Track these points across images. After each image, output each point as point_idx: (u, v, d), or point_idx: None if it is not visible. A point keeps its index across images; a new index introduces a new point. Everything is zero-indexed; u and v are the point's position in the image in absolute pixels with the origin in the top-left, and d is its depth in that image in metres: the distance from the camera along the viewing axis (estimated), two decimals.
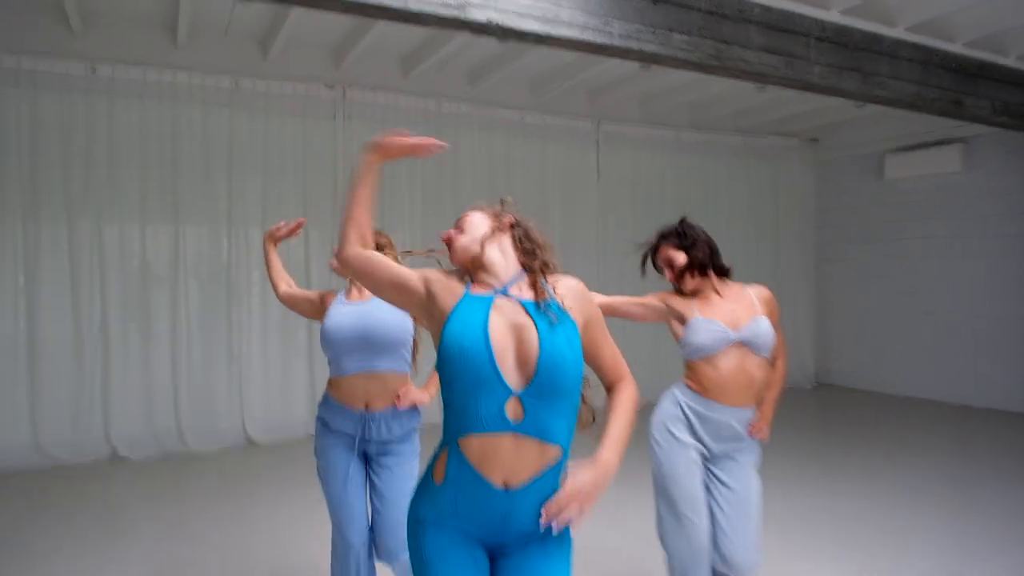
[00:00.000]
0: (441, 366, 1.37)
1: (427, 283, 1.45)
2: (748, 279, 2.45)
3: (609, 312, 2.30)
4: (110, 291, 5.21)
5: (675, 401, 2.31)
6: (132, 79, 5.17)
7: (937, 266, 7.30)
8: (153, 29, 5.27)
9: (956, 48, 5.02)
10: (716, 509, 2.21)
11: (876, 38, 4.65)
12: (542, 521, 1.30)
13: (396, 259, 2.22)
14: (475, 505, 1.35)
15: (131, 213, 5.27)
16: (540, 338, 1.32)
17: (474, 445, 1.33)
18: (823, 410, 7.24)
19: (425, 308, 1.44)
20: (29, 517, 3.91)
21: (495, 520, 1.36)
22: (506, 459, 1.32)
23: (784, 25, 4.28)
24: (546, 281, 1.43)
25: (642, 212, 7.06)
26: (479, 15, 3.37)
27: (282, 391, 5.78)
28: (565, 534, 1.41)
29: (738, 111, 7.65)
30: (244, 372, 5.62)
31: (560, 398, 1.34)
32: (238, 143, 5.58)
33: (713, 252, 2.33)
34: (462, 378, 1.33)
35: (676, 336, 2.29)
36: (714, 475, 2.25)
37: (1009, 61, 5.27)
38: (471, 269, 1.48)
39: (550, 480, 1.35)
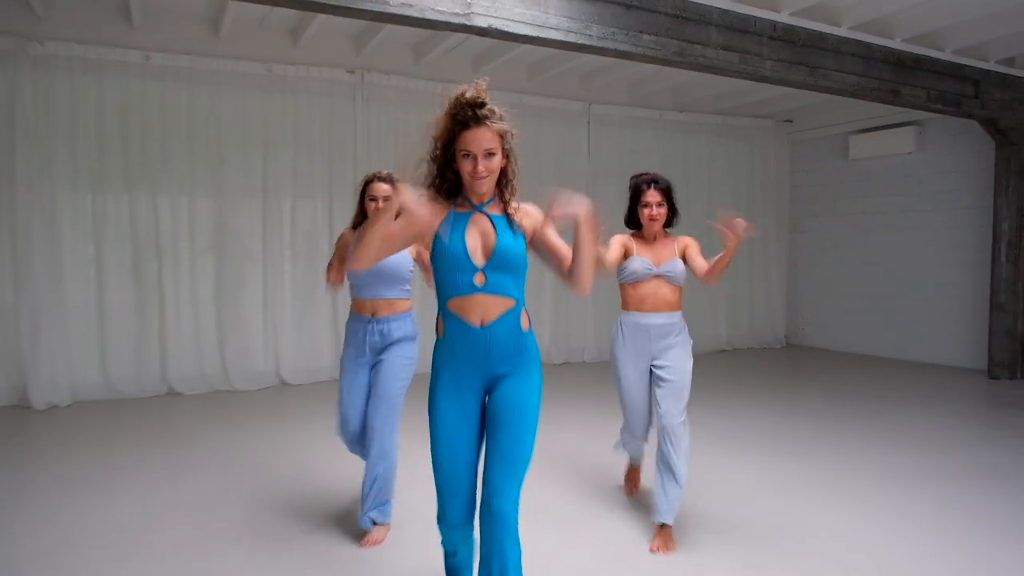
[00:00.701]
0: (434, 257, 2.07)
1: (415, 222, 2.01)
2: (723, 247, 3.09)
3: (609, 262, 3.03)
4: (165, 255, 6.05)
5: (617, 323, 3.16)
6: (180, 66, 5.96)
7: (895, 237, 8.11)
8: (200, 23, 6.05)
9: (895, 44, 5.77)
10: (657, 390, 3.07)
11: (822, 36, 5.41)
12: (552, 211, 1.93)
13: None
14: (464, 340, 2.02)
15: (181, 186, 6.09)
16: (497, 236, 2.03)
17: (456, 303, 2.03)
18: (791, 368, 8.08)
19: (419, 236, 2.09)
20: (103, 440, 4.72)
21: (480, 350, 2.02)
22: (478, 308, 2.01)
23: (740, 26, 5.05)
24: (509, 202, 2.09)
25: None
26: (481, 22, 4.16)
27: (310, 340, 6.64)
28: (533, 370, 2.11)
29: (718, 94, 8.39)
30: (278, 324, 6.47)
31: (509, 270, 2.02)
32: (271, 122, 6.38)
33: (675, 214, 3.17)
34: (447, 263, 2.02)
35: (619, 263, 3.10)
36: (657, 369, 3.09)
37: (944, 55, 6.02)
38: (467, 191, 2.07)
39: (512, 318, 2.03)
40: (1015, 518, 3.32)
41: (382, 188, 3.00)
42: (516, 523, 2.01)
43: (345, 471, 3.80)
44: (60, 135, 5.63)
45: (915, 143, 7.70)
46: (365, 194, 3.07)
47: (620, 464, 3.75)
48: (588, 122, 7.91)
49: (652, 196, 3.09)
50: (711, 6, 4.90)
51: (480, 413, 2.11)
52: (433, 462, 2.09)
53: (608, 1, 4.54)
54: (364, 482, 3.01)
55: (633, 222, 3.19)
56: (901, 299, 8.06)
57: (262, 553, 2.93)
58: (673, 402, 3.04)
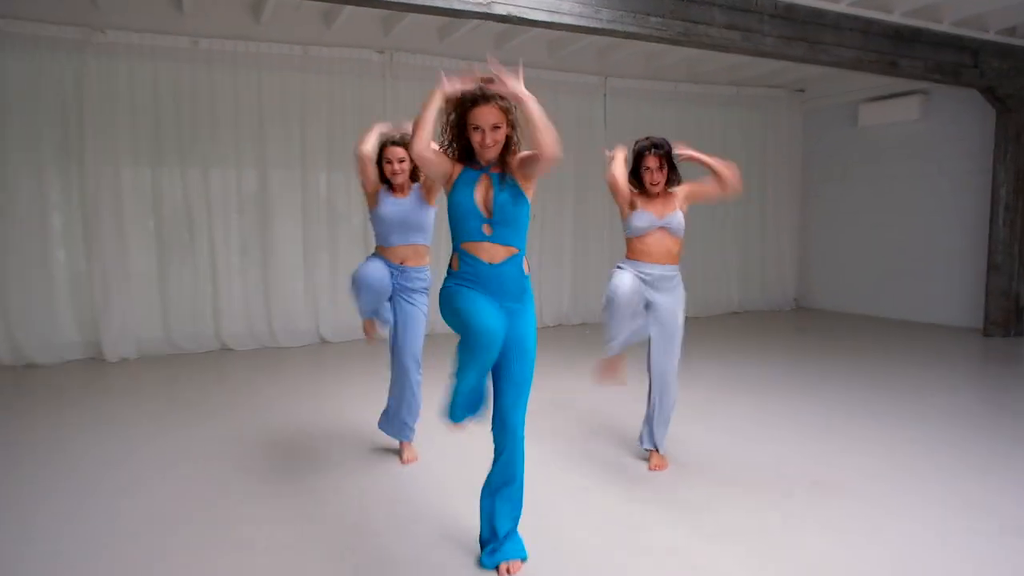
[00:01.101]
0: (450, 207, 2.43)
1: (449, 165, 2.46)
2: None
3: (613, 181, 3.45)
4: (215, 223, 6.66)
5: (616, 266, 3.51)
6: (226, 50, 6.49)
7: (901, 201, 8.43)
8: (242, 10, 6.55)
9: (894, 18, 6.07)
10: (652, 332, 3.50)
11: (821, 12, 5.75)
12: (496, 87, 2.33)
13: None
14: (479, 273, 2.40)
15: (228, 159, 6.67)
16: (495, 194, 2.40)
17: (469, 246, 2.41)
18: (802, 329, 8.49)
19: (448, 178, 2.50)
20: (167, 388, 5.39)
21: (495, 281, 2.41)
22: (486, 251, 2.40)
23: (742, 5, 5.41)
24: (508, 162, 2.44)
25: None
26: (501, 10, 4.61)
27: (345, 301, 7.23)
28: (531, 309, 2.53)
29: (732, 65, 8.68)
30: (317, 286, 7.08)
31: (509, 224, 2.41)
32: (308, 100, 6.90)
33: (676, 175, 3.49)
34: (459, 211, 2.42)
35: (624, 216, 3.47)
36: (650, 308, 3.46)
37: (942, 27, 6.30)
38: (477, 156, 2.44)
39: (515, 262, 2.44)
40: (987, 451, 3.78)
41: (397, 151, 3.37)
42: (522, 434, 2.53)
43: (373, 415, 4.39)
44: (122, 115, 6.22)
45: (920, 111, 7.97)
46: (383, 157, 3.44)
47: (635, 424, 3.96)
48: (604, 95, 8.31)
49: (652, 161, 3.41)
50: None
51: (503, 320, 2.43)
52: (475, 330, 2.32)
53: None
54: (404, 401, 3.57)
55: (637, 183, 3.53)
56: (906, 262, 8.41)
57: (302, 470, 3.53)
58: (663, 352, 3.46)
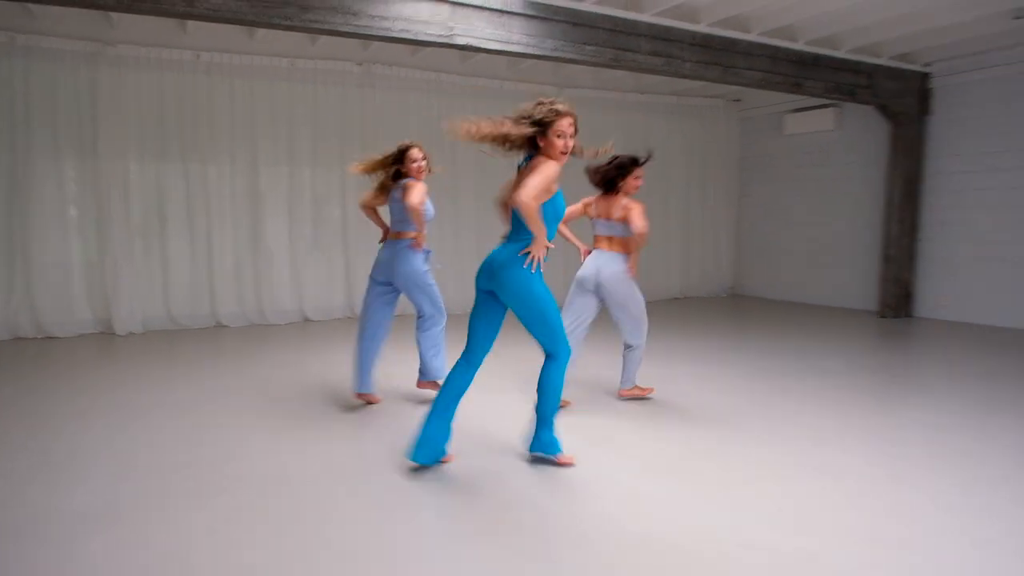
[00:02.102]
0: (550, 205, 3.14)
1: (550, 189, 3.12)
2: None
3: (579, 214, 4.41)
4: (212, 213, 7.55)
5: (621, 260, 4.39)
6: (223, 63, 7.39)
7: (818, 201, 9.59)
8: (238, 28, 7.42)
9: (798, 46, 7.17)
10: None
11: (734, 42, 6.82)
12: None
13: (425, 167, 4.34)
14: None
15: (224, 158, 7.56)
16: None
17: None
18: (734, 312, 9.61)
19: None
20: (168, 358, 6.33)
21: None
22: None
23: (664, 36, 6.46)
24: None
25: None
26: (460, 41, 5.60)
27: (326, 285, 8.19)
28: None
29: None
30: (301, 271, 8.02)
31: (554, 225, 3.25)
32: (295, 106, 7.82)
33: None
34: (557, 213, 3.22)
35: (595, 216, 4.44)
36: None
37: (840, 53, 7.42)
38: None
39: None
40: (866, 399, 4.88)
41: (418, 152, 4.33)
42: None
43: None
44: (130, 119, 7.09)
45: (834, 122, 9.13)
46: (405, 156, 4.31)
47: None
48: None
49: (639, 172, 4.34)
50: (640, 21, 6.30)
51: None
52: (556, 312, 3.27)
53: (559, 21, 5.96)
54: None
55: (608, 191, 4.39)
56: (821, 254, 9.59)
57: (292, 428, 4.50)
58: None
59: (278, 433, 3.98)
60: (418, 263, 4.37)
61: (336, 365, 5.74)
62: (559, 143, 3.07)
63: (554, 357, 3.33)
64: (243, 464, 3.49)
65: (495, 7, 5.68)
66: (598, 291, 4.40)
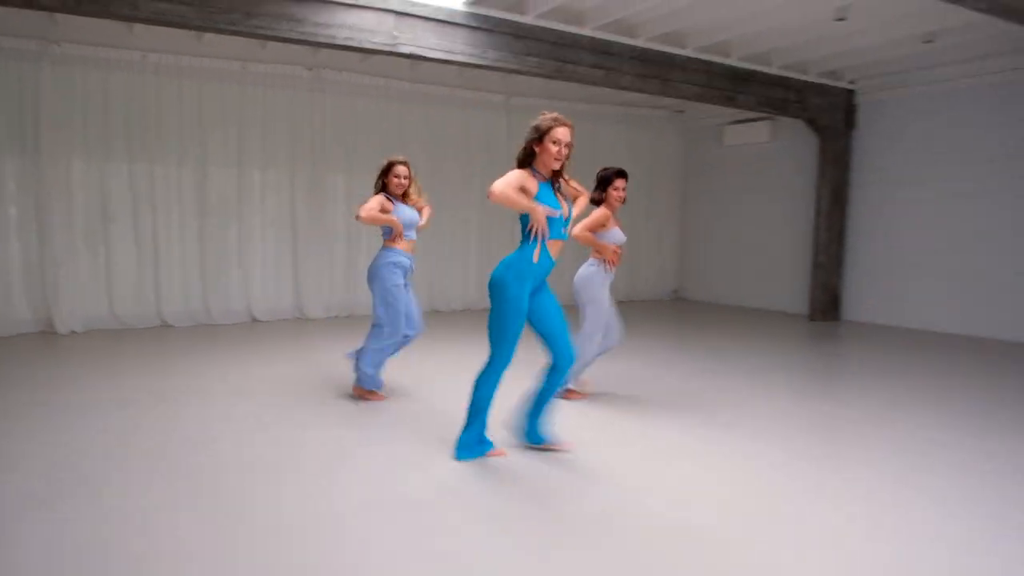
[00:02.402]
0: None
1: (526, 188, 3.20)
2: (626, 217, 4.61)
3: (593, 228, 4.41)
4: (158, 213, 7.55)
5: (596, 267, 4.51)
6: (171, 64, 7.41)
7: (754, 209, 10.03)
8: (187, 31, 7.47)
9: (731, 61, 7.55)
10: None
11: (671, 56, 7.16)
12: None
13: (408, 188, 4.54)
14: (543, 268, 3.30)
15: (171, 157, 7.57)
16: (567, 203, 3.40)
17: (550, 244, 3.29)
18: (675, 315, 9.97)
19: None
20: (112, 356, 6.35)
21: (545, 275, 3.35)
22: (556, 248, 3.32)
23: (604, 49, 6.75)
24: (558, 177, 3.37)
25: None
26: (405, 50, 5.78)
27: (275, 285, 8.26)
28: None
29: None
30: (249, 271, 8.07)
31: (565, 226, 3.37)
32: (245, 109, 7.88)
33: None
34: (554, 218, 3.27)
35: (602, 230, 4.50)
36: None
37: (772, 70, 7.84)
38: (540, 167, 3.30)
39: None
40: (803, 384, 5.20)
41: (403, 169, 4.51)
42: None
43: (305, 369, 5.48)
44: (74, 117, 7.06)
45: (769, 134, 9.58)
46: (390, 172, 4.50)
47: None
48: (507, 112, 9.57)
49: (622, 183, 4.46)
50: (582, 35, 6.58)
51: None
52: (513, 329, 3.36)
53: (502, 33, 6.19)
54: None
55: (602, 201, 4.47)
56: (756, 260, 10.03)
57: (235, 419, 4.62)
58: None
59: (218, 423, 4.09)
60: (385, 272, 4.49)
61: (283, 364, 5.84)
62: (553, 149, 3.25)
63: (490, 362, 3.44)
64: (182, 453, 3.60)
65: (440, 18, 5.88)
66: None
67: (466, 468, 3.46)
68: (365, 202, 4.54)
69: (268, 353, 6.35)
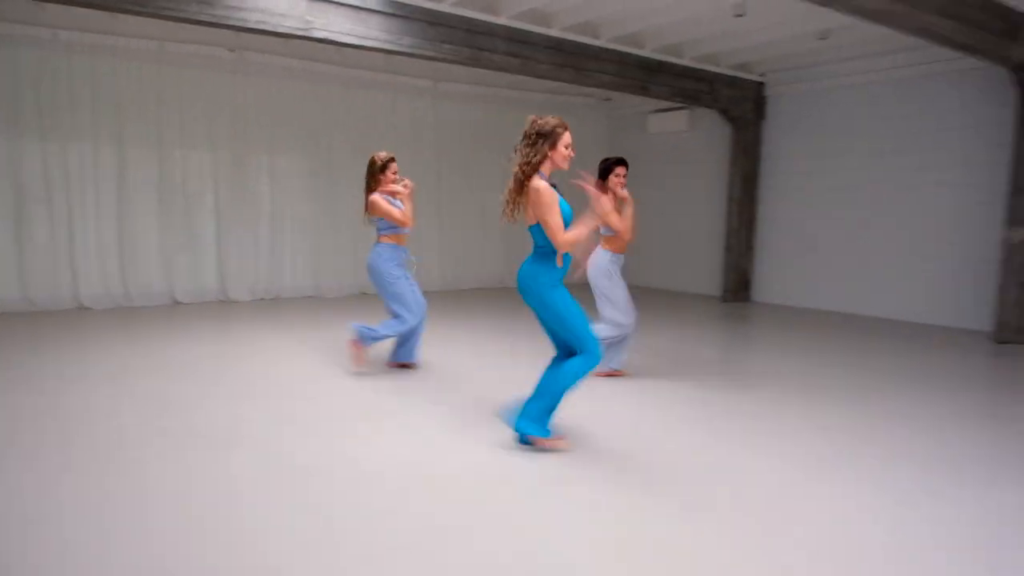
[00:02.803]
0: (567, 218, 3.37)
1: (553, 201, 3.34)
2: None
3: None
4: (72, 193, 7.46)
5: (606, 258, 4.87)
6: (85, 42, 7.30)
7: (674, 194, 10.43)
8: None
9: (645, 52, 7.86)
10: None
11: (585, 46, 7.41)
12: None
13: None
14: (567, 267, 3.43)
15: (85, 136, 7.47)
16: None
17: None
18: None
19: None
20: (28, 339, 6.31)
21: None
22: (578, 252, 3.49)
23: (520, 38, 6.95)
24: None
25: (472, 155, 9.78)
26: (319, 34, 5.87)
27: (197, 266, 8.25)
28: None
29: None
30: (170, 252, 8.04)
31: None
32: (164, 89, 7.81)
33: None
34: (571, 218, 3.40)
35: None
36: None
37: (684, 61, 8.19)
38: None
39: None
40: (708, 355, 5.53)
41: (396, 165, 4.85)
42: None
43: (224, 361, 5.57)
44: None
45: (688, 123, 9.97)
46: (386, 170, 4.80)
47: None
48: (434, 98, 9.70)
49: (622, 170, 4.76)
50: (497, 24, 6.77)
51: None
52: (581, 318, 3.44)
53: (416, 20, 6.33)
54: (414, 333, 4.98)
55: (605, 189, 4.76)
56: (675, 245, 10.45)
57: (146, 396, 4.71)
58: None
59: (129, 400, 4.19)
60: (384, 267, 4.83)
61: (207, 344, 5.92)
62: (565, 152, 3.44)
63: (582, 354, 3.46)
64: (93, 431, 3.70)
65: (353, 4, 5.99)
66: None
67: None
68: (375, 204, 4.80)
69: (192, 333, 6.41)
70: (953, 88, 7.41)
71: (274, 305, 8.32)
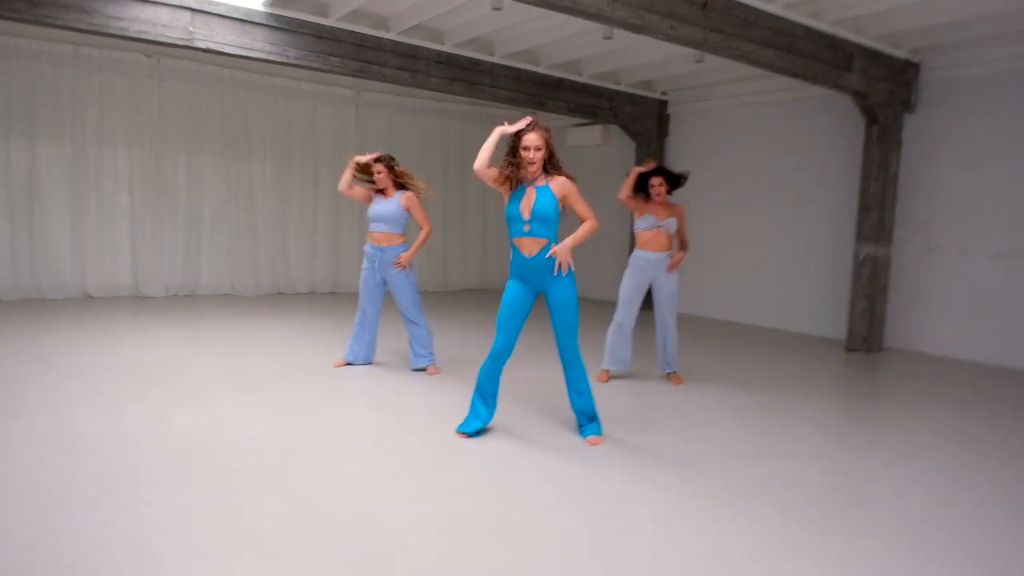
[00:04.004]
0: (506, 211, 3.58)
1: (505, 179, 3.53)
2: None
3: (630, 205, 5.10)
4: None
5: (634, 256, 5.19)
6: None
7: (594, 208, 10.79)
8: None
9: (541, 69, 8.25)
10: (657, 310, 5.23)
11: (478, 62, 7.79)
12: (556, 268, 3.49)
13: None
14: (520, 265, 3.55)
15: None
16: (536, 200, 3.49)
17: (516, 240, 3.53)
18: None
19: (504, 193, 3.60)
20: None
21: (530, 273, 3.54)
22: (526, 245, 3.51)
23: (410, 53, 7.32)
24: (548, 176, 3.57)
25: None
26: (201, 44, 6.23)
27: (111, 260, 8.58)
28: (570, 275, 3.60)
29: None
30: (85, 247, 8.37)
31: (543, 221, 3.49)
32: (79, 93, 8.17)
33: (673, 185, 5.14)
34: (510, 216, 3.52)
35: (637, 216, 5.14)
36: (659, 290, 5.19)
37: (582, 78, 8.58)
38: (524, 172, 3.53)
39: (544, 252, 3.52)
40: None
41: (379, 166, 5.08)
42: (577, 357, 3.75)
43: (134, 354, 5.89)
44: None
45: (602, 138, 10.38)
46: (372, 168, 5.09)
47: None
48: (356, 106, 10.08)
49: (656, 178, 5.07)
50: (386, 39, 7.14)
51: (531, 301, 3.72)
52: (499, 313, 3.69)
53: (303, 33, 6.70)
54: (410, 340, 5.33)
55: (644, 192, 5.16)
56: (586, 256, 10.82)
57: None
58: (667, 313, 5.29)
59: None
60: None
61: (120, 342, 6.23)
62: (523, 155, 3.58)
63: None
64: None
65: (238, 16, 6.35)
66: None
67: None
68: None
69: (104, 330, 6.73)
70: (818, 112, 7.87)
71: (188, 302, 8.65)
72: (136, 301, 8.44)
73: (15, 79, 7.83)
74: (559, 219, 3.64)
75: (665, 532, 2.76)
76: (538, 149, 3.55)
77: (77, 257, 8.38)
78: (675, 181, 5.19)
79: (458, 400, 4.49)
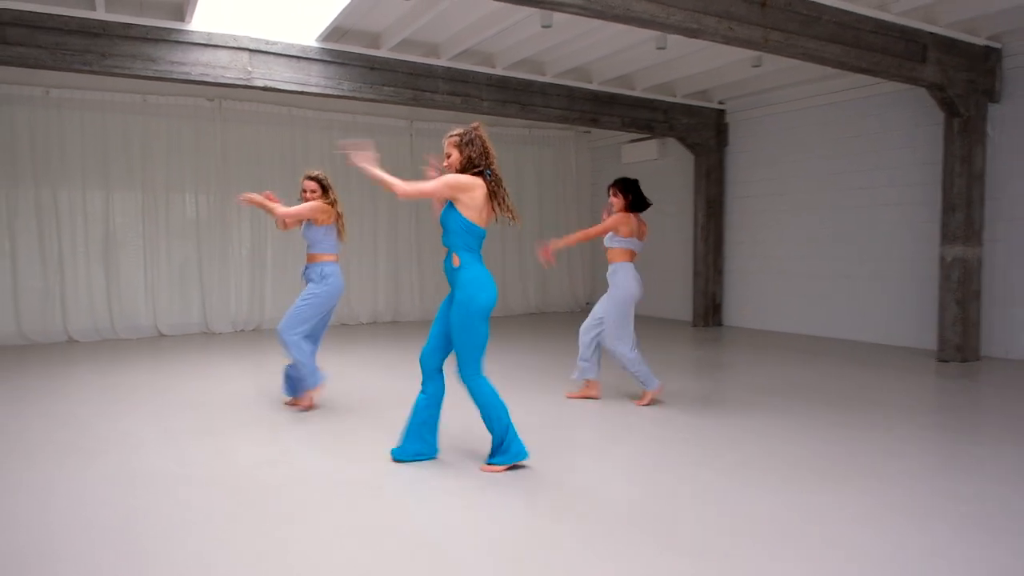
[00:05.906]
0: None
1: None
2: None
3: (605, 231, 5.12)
4: (64, 235, 8.14)
5: (626, 273, 5.28)
6: (74, 98, 8.04)
7: (651, 223, 10.50)
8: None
9: (593, 86, 8.13)
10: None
11: (530, 83, 7.74)
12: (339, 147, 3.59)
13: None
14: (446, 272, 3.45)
15: (75, 182, 8.18)
16: (442, 211, 3.44)
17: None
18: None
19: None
20: (19, 370, 6.89)
21: (449, 280, 3.44)
22: (445, 252, 3.42)
23: (462, 78, 7.33)
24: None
25: None
26: (259, 83, 6.38)
27: (182, 301, 8.81)
28: (460, 293, 3.34)
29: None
30: (157, 287, 8.63)
31: (445, 231, 3.39)
32: (148, 138, 8.49)
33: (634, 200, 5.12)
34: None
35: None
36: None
37: (635, 92, 8.42)
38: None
39: (448, 258, 3.39)
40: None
41: (309, 183, 4.74)
42: (474, 384, 3.42)
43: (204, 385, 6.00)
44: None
45: (658, 152, 10.15)
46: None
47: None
48: (411, 135, 10.17)
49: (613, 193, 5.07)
50: (437, 65, 7.17)
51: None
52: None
53: (356, 65, 6.79)
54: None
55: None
56: (649, 271, 10.48)
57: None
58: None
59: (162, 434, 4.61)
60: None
61: (189, 378, 6.36)
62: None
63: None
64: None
65: (293, 54, 6.48)
66: None
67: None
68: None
69: (175, 365, 6.89)
70: (890, 109, 7.46)
71: (255, 336, 8.78)
72: (205, 338, 8.62)
73: (89, 130, 8.20)
74: (461, 227, 3.39)
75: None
76: (447, 156, 3.46)
77: (149, 297, 8.64)
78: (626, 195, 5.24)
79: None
